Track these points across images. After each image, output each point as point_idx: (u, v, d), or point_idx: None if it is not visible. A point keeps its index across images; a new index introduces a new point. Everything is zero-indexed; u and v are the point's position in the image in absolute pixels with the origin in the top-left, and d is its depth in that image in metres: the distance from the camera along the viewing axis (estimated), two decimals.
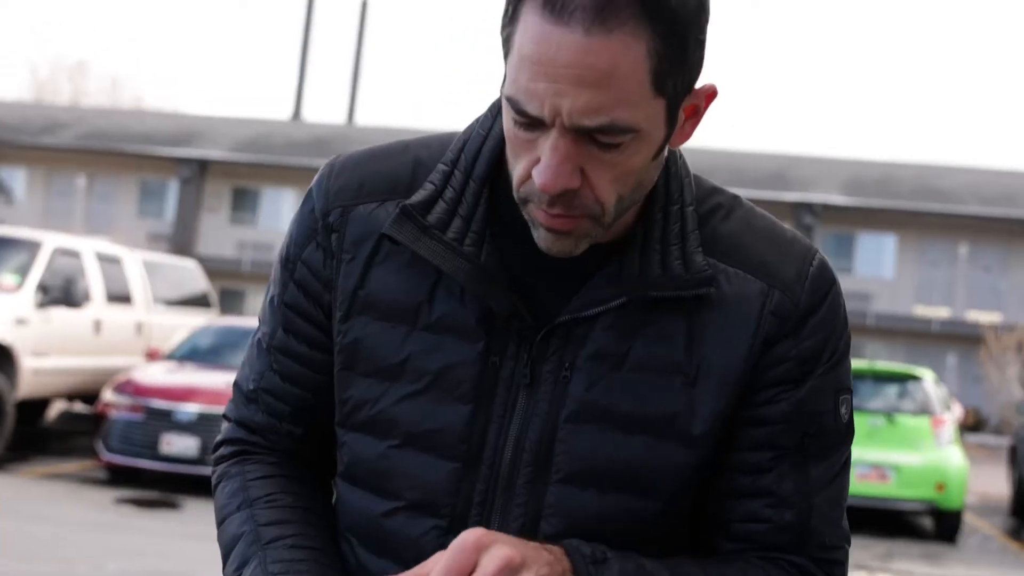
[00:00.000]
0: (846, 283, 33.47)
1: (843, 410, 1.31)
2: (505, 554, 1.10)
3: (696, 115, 1.23)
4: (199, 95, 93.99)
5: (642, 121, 1.14)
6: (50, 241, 12.25)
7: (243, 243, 35.65)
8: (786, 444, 1.27)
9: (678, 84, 1.16)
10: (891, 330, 33.10)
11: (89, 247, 13.12)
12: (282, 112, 74.00)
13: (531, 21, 1.12)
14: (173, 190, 36.56)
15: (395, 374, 1.27)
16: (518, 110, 1.14)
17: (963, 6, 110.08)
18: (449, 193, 1.27)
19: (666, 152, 1.25)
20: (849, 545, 1.35)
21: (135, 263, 13.85)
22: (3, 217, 34.44)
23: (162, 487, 10.40)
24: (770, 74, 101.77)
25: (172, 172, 35.88)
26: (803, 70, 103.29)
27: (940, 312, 33.23)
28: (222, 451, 1.43)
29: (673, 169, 1.29)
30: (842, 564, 1.33)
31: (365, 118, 74.35)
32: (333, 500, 1.40)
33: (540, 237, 1.21)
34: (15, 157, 37.60)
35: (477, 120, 1.33)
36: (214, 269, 28.79)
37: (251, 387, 1.40)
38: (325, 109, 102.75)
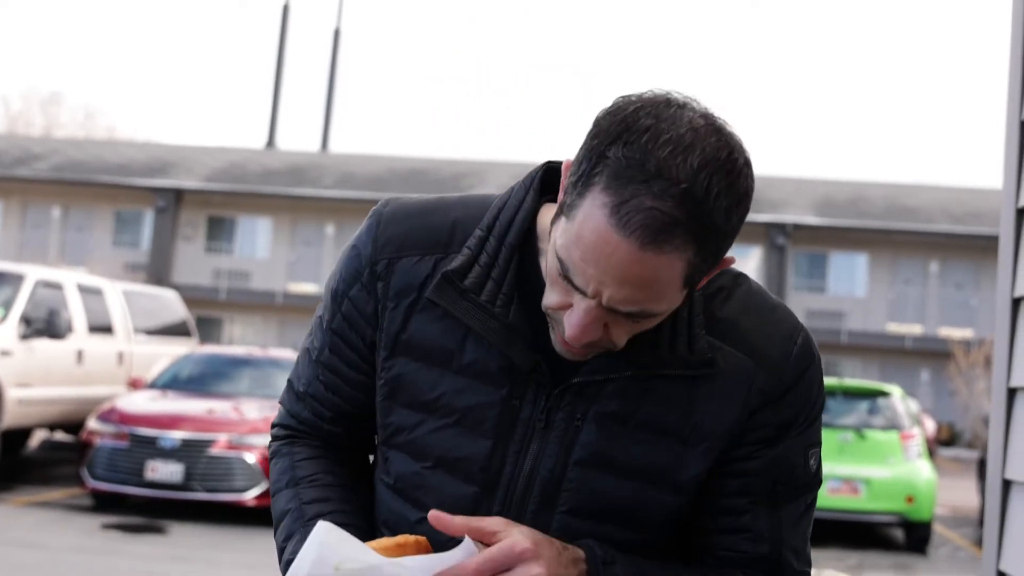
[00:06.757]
0: (819, 302, 33.77)
1: (812, 462, 1.52)
2: (522, 545, 1.31)
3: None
4: (173, 125, 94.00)
5: (667, 308, 1.33)
6: (33, 273, 12.40)
7: (219, 271, 35.68)
8: (759, 491, 1.48)
9: (704, 275, 1.33)
10: (865, 347, 33.37)
11: (71, 279, 13.28)
12: (256, 141, 74.21)
13: (596, 215, 1.25)
14: (148, 220, 36.54)
15: (429, 408, 1.49)
16: (565, 275, 1.31)
17: (932, 26, 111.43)
18: (484, 258, 1.46)
19: None
20: (810, 568, 1.58)
21: (115, 294, 14.01)
22: None
23: (147, 513, 10.54)
24: (740, 96, 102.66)
25: (147, 202, 35.91)
26: (772, 92, 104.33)
27: (913, 329, 33.50)
28: (276, 431, 1.69)
29: None
30: None
31: (339, 145, 74.57)
32: (372, 491, 1.61)
33: (556, 344, 1.40)
34: None
35: (512, 190, 1.51)
36: (191, 298, 28.85)
37: (300, 388, 1.65)
38: (299, 137, 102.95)
